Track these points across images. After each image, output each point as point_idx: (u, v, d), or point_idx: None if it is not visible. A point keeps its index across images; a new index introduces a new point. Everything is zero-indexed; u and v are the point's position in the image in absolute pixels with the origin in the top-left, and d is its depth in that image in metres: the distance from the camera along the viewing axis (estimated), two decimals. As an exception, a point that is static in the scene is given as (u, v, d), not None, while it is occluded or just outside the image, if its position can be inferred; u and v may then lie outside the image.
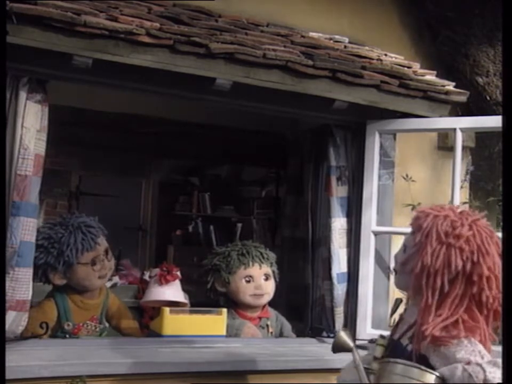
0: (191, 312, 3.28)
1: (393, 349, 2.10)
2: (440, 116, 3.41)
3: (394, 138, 3.58)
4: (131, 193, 7.24)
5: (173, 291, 3.49)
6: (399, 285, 2.21)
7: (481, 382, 1.87)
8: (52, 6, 2.59)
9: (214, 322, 3.21)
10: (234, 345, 3.16)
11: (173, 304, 3.41)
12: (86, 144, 5.78)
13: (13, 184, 2.73)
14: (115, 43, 2.70)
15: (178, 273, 3.55)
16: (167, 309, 3.17)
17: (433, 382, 1.93)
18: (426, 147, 4.07)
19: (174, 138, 5.39)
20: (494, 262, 2.00)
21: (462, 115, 3.78)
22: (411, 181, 3.69)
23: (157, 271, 3.54)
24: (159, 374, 2.81)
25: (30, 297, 2.79)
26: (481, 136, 4.04)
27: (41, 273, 3.09)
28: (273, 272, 3.50)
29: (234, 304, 3.44)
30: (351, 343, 2.16)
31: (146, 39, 2.74)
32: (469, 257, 1.99)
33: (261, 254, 3.46)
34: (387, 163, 3.54)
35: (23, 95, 2.74)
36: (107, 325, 3.33)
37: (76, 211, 3.38)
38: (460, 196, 3.37)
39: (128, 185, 7.19)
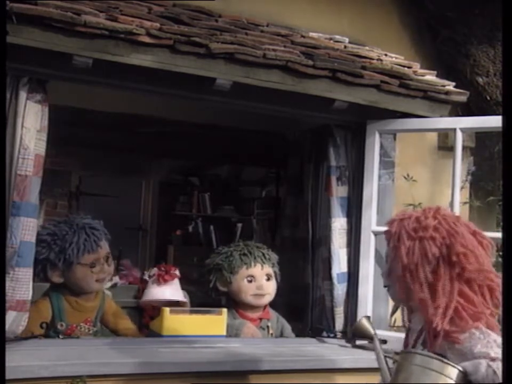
0: (191, 312, 3.28)
1: None
2: (440, 116, 3.41)
3: (395, 138, 3.58)
4: (131, 193, 7.24)
5: (172, 290, 3.49)
6: (394, 298, 2.21)
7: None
8: (52, 6, 2.60)
9: (214, 322, 3.21)
10: (234, 345, 3.16)
11: (172, 303, 3.42)
12: (86, 144, 5.77)
13: (13, 184, 2.73)
14: (115, 43, 2.70)
15: (177, 272, 3.56)
16: (167, 309, 3.17)
17: (454, 376, 1.91)
18: (426, 147, 4.07)
19: (174, 138, 5.39)
20: (466, 239, 2.03)
21: (462, 115, 3.78)
22: (412, 180, 3.69)
23: (155, 270, 3.55)
24: (159, 374, 2.81)
25: (30, 297, 2.79)
26: (481, 136, 4.03)
27: (40, 268, 3.09)
28: (275, 272, 3.51)
29: (235, 304, 3.44)
30: (372, 330, 2.16)
31: (147, 39, 2.74)
32: (442, 242, 2.02)
33: (263, 254, 3.47)
34: (387, 163, 3.54)
35: (23, 95, 2.75)
36: (101, 327, 3.32)
37: (82, 212, 3.40)
38: (460, 196, 3.37)
39: (128, 185, 7.19)
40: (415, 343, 2.10)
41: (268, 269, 3.47)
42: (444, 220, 2.06)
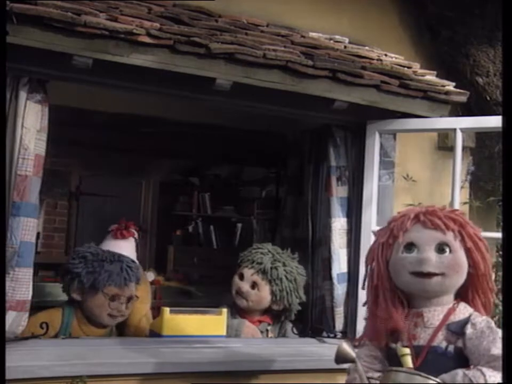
0: (191, 312, 3.28)
1: (430, 355, 2.11)
2: (440, 116, 3.41)
3: (395, 139, 3.58)
4: (131, 193, 7.24)
5: (127, 248, 3.45)
6: (441, 285, 2.16)
7: None
8: (52, 6, 2.59)
9: (214, 322, 3.21)
10: (234, 345, 3.16)
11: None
12: (86, 144, 5.79)
13: (13, 184, 2.73)
14: (115, 43, 2.70)
15: (135, 232, 3.54)
16: (167, 309, 3.17)
17: None
18: (426, 147, 4.06)
19: (174, 139, 5.39)
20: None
21: (462, 115, 3.78)
22: (412, 181, 3.69)
23: (115, 226, 3.53)
24: (159, 374, 2.82)
25: (30, 297, 2.79)
26: (481, 136, 4.04)
27: (68, 279, 3.16)
28: (273, 291, 3.36)
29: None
30: (353, 354, 2.16)
31: (147, 39, 2.74)
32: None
33: (272, 268, 3.35)
34: (387, 163, 3.54)
35: (23, 95, 2.75)
36: None
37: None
38: (460, 196, 3.37)
39: (128, 186, 7.19)
40: (434, 337, 2.12)
41: (257, 278, 3.37)
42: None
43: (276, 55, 2.98)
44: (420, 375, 1.96)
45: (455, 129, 3.31)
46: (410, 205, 3.60)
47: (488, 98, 4.00)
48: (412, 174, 3.70)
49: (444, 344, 2.08)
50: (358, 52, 3.45)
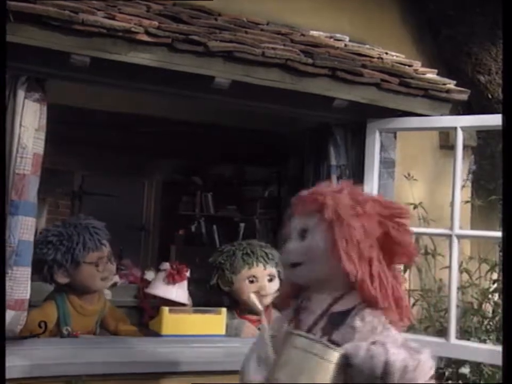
0: (191, 311, 3.27)
1: None
2: (441, 115, 3.39)
3: (395, 137, 3.56)
4: (134, 193, 7.24)
5: (178, 291, 3.46)
6: (305, 276, 2.05)
7: (382, 363, 1.79)
8: (50, 4, 2.59)
9: (213, 322, 3.20)
10: (234, 345, 3.15)
11: (173, 303, 3.41)
12: (88, 144, 5.78)
13: (11, 183, 2.72)
14: (113, 41, 2.69)
15: (188, 273, 3.53)
16: (166, 309, 3.16)
17: (335, 360, 1.84)
18: (427, 146, 4.06)
19: (177, 138, 5.39)
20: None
21: (463, 114, 3.77)
22: (413, 179, 3.68)
23: (166, 265, 3.52)
24: (159, 374, 2.81)
25: (28, 297, 2.78)
26: (483, 134, 4.02)
27: (46, 269, 3.11)
28: (278, 272, 3.48)
29: (236, 305, 3.43)
30: (260, 306, 2.16)
31: (145, 38, 2.73)
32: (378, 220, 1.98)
33: (266, 254, 3.44)
34: (388, 162, 3.52)
35: (21, 93, 2.74)
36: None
37: (84, 212, 3.44)
38: (462, 195, 3.36)
39: (130, 185, 7.19)
40: (314, 325, 1.98)
41: (271, 269, 3.44)
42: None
43: (275, 54, 2.97)
44: (322, 343, 1.85)
45: (455, 128, 3.29)
46: (411, 204, 3.60)
47: (490, 96, 4.00)
48: (413, 173, 3.69)
49: (318, 334, 1.94)
50: (359, 50, 3.45)
